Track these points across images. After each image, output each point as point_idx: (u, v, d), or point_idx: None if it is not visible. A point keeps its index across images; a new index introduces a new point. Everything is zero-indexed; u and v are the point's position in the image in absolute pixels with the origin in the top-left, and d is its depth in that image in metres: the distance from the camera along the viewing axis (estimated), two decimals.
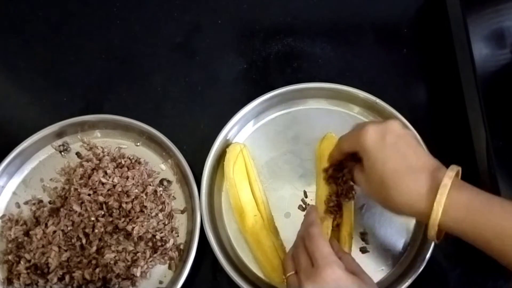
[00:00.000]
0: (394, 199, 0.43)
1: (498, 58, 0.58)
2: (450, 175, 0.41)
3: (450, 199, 0.40)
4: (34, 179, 0.60)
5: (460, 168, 0.43)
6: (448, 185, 0.40)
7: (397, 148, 0.44)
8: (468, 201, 0.40)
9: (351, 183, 0.52)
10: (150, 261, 0.55)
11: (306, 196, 0.58)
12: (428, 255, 0.51)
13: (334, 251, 0.47)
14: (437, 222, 0.40)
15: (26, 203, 0.59)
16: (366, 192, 0.47)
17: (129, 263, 0.54)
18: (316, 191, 0.58)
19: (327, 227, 0.53)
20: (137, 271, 0.54)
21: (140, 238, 0.55)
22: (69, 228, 0.55)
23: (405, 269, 0.53)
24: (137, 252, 0.55)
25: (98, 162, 0.59)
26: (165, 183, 0.59)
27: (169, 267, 0.55)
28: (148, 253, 0.55)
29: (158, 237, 0.55)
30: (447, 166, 0.42)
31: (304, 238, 0.47)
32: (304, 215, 0.52)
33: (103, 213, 0.55)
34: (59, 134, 0.61)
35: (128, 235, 0.55)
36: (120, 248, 0.55)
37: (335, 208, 0.54)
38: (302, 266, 0.44)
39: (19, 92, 0.67)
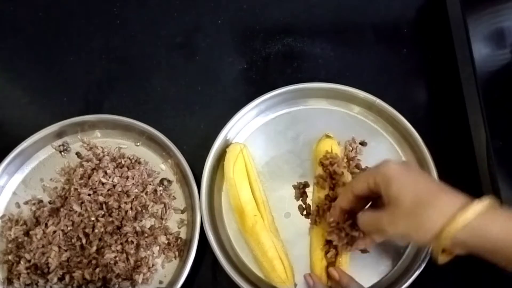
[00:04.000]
0: (430, 217, 0.39)
1: (498, 58, 0.58)
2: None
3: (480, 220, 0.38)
4: (34, 179, 0.60)
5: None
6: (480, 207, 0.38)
7: (423, 175, 0.43)
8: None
9: (355, 233, 0.49)
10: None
11: (306, 196, 0.58)
12: (427, 256, 0.51)
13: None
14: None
15: (26, 203, 0.59)
16: (387, 229, 0.42)
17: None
18: (312, 193, 0.58)
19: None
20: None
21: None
22: (69, 228, 0.55)
23: (405, 269, 0.53)
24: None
25: (98, 162, 0.59)
26: (165, 183, 0.59)
27: (169, 267, 0.55)
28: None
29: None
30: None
31: None
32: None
33: (103, 213, 0.55)
34: (59, 134, 0.61)
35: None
36: (120, 248, 0.55)
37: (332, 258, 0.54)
38: None
39: (19, 92, 0.67)
